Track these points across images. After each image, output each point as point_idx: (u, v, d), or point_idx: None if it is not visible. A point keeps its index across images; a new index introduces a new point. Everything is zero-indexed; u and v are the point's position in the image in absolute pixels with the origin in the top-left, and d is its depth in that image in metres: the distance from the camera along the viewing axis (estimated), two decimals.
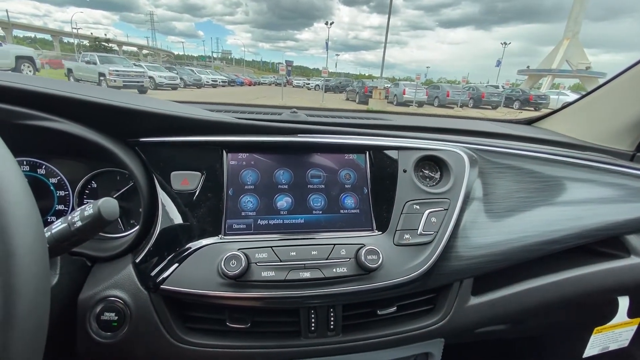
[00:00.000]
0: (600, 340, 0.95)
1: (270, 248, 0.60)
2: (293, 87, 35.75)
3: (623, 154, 1.11)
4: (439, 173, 0.76)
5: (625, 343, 0.98)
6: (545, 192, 0.81)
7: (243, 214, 0.65)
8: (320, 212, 0.68)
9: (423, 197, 0.70)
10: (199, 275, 0.58)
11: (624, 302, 0.88)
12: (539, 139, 1.06)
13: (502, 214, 0.75)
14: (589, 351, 0.96)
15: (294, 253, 0.61)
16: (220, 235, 0.62)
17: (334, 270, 0.60)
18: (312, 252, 0.61)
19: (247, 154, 0.68)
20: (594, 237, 0.79)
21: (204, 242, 0.61)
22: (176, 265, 0.58)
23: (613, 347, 0.97)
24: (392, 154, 0.73)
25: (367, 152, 0.73)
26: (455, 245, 0.68)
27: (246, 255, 0.58)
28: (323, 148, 0.72)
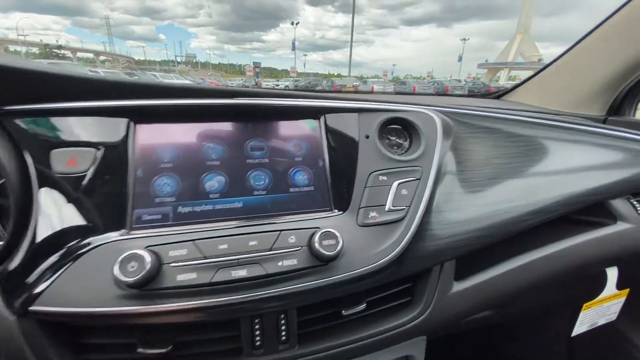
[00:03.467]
0: (589, 317, 0.89)
1: (191, 242, 0.45)
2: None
3: (595, 119, 1.08)
4: (408, 140, 0.64)
5: (614, 317, 0.93)
6: (525, 157, 0.72)
7: (157, 200, 0.49)
8: (264, 192, 0.53)
9: (390, 166, 0.57)
10: (89, 286, 0.41)
11: (612, 273, 0.83)
12: (512, 110, 0.99)
13: (482, 182, 0.65)
14: (578, 329, 0.89)
15: (225, 246, 0.46)
16: (124, 230, 0.46)
17: (279, 264, 0.46)
18: (250, 243, 0.47)
19: (163, 124, 0.52)
20: (580, 203, 0.71)
21: (99, 240, 0.44)
22: (55, 276, 0.42)
23: (602, 322, 0.92)
24: (352, 117, 0.60)
25: (321, 117, 0.59)
26: (430, 221, 0.57)
27: (155, 254, 0.42)
28: (266, 113, 0.57)
